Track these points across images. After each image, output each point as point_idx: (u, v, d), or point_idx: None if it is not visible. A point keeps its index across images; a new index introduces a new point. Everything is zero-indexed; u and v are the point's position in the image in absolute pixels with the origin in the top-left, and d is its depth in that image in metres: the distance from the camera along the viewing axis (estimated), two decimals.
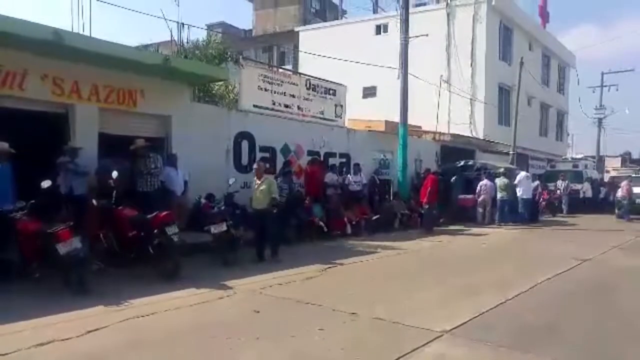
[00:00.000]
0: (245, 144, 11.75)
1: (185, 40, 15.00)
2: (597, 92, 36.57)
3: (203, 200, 9.48)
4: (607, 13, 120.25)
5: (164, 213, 6.94)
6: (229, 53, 14.10)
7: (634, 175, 23.76)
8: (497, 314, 5.58)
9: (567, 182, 21.69)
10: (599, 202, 23.03)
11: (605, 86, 36.30)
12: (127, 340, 4.49)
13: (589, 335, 4.99)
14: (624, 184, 19.47)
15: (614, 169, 36.33)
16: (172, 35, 13.98)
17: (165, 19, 12.68)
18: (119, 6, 12.19)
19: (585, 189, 22.73)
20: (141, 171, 8.42)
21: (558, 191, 21.30)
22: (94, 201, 7.44)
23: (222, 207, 8.59)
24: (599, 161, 35.23)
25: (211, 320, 5.20)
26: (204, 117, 10.76)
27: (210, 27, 26.60)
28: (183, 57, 13.30)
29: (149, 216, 7.00)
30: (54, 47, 7.44)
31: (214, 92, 13.28)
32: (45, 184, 6.65)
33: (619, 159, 45.03)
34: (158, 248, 6.77)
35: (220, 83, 13.27)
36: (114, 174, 7.39)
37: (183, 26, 14.78)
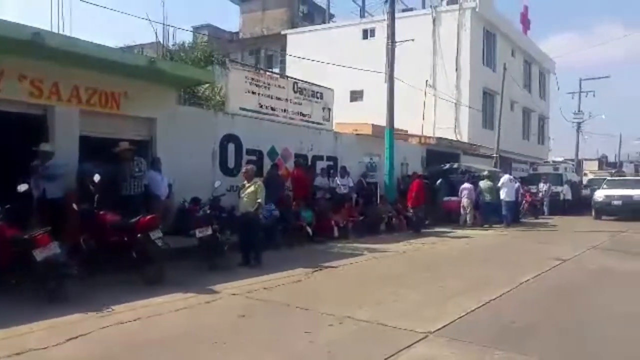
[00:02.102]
0: (231, 147, 11.67)
1: (170, 42, 14.89)
2: (575, 98, 37.39)
3: (187, 204, 9.37)
4: (584, 22, 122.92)
5: (148, 217, 6.83)
6: (215, 55, 14.00)
7: (609, 178, 24.24)
8: (480, 315, 5.64)
9: (548, 184, 22.02)
10: (577, 203, 23.42)
11: (583, 92, 37.12)
12: (109, 348, 4.40)
13: (568, 335, 5.08)
14: None
15: (591, 172, 36.99)
16: (157, 37, 13.86)
17: (150, 21, 12.57)
18: (102, 6, 12.00)
19: (565, 191, 23.10)
20: (125, 175, 8.29)
21: (540, 193, 21.59)
22: (74, 205, 7.26)
23: (208, 211, 8.50)
24: (578, 164, 35.86)
25: (197, 325, 5.13)
26: (190, 120, 10.66)
27: (196, 29, 26.45)
28: (169, 59, 13.18)
29: (132, 220, 6.88)
30: (33, 47, 7.27)
31: (200, 94, 13.18)
32: (22, 187, 6.48)
33: (597, 162, 45.92)
34: (141, 253, 6.66)
35: (207, 85, 13.18)
36: (96, 177, 7.25)
37: (168, 28, 14.67)
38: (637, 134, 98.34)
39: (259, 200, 8.29)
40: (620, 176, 25.22)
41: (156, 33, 14.24)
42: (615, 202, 19.74)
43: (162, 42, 13.80)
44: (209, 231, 7.86)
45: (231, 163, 11.57)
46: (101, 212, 7.25)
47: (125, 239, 6.82)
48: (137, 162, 8.40)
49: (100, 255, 7.00)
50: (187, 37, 32.49)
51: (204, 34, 22.30)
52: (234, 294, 6.35)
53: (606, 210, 20.04)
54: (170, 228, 8.67)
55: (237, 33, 35.30)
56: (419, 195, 13.84)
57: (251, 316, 5.47)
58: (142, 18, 16.82)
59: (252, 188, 8.37)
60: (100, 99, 8.84)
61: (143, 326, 5.02)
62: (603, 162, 47.42)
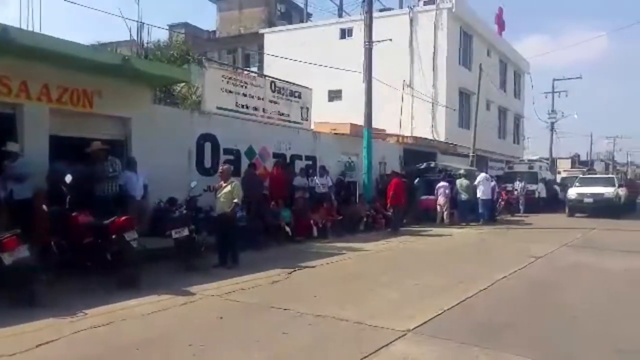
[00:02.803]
0: (208, 147, 11.53)
1: (145, 40, 14.61)
2: (549, 98, 38.23)
3: (163, 205, 9.22)
4: (557, 25, 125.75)
5: (123, 218, 6.68)
6: (191, 54, 13.80)
7: (581, 176, 24.85)
8: (458, 312, 5.70)
9: (523, 183, 22.44)
10: (551, 201, 23.93)
11: (556, 92, 37.96)
12: (80, 354, 4.28)
13: (543, 330, 5.16)
14: None
15: (565, 170, 37.88)
16: (131, 35, 13.57)
17: (124, 18, 12.29)
18: (74, 2, 11.69)
19: (540, 189, 23.57)
20: (99, 175, 8.08)
21: (515, 192, 21.98)
22: (44, 206, 7.05)
23: (184, 211, 8.38)
24: (552, 163, 36.67)
25: (173, 328, 5.04)
26: (166, 119, 10.50)
27: (172, 28, 26.04)
28: (144, 58, 12.93)
29: (106, 222, 6.73)
30: (0, 44, 7.03)
31: (176, 93, 12.99)
32: None
33: (570, 160, 47.04)
34: (116, 255, 6.52)
35: (183, 85, 13.00)
36: (68, 177, 7.06)
37: (143, 25, 14.37)
38: (607, 133, 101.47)
39: (235, 201, 8.19)
40: (591, 174, 25.85)
41: (130, 30, 13.97)
42: (587, 200, 20.26)
43: (137, 40, 13.53)
44: (186, 232, 7.75)
45: (208, 163, 11.44)
46: (73, 214, 7.07)
47: (99, 240, 6.67)
48: (111, 162, 8.20)
49: (72, 257, 6.83)
50: (162, 36, 32.05)
51: (180, 32, 21.98)
52: (211, 295, 6.27)
53: (579, 207, 20.55)
54: (146, 229, 8.51)
55: (214, 32, 34.99)
56: (398, 194, 13.92)
57: (229, 317, 5.41)
58: (116, 15, 16.48)
59: (228, 188, 8.27)
60: (72, 98, 8.60)
61: (117, 330, 4.91)
62: (576, 161, 48.64)
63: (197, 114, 11.63)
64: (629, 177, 40.76)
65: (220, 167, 9.02)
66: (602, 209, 19.70)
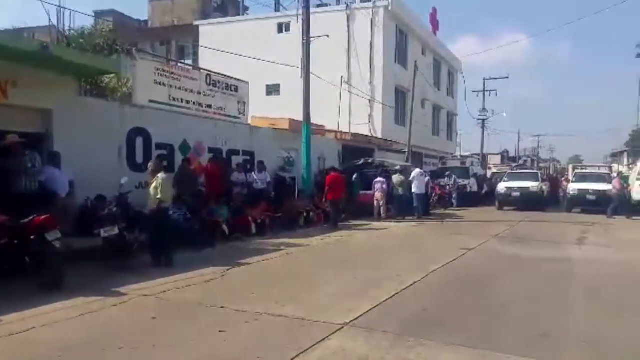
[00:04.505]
0: (140, 141, 11.02)
1: (67, 27, 13.59)
2: (480, 96, 40.09)
3: (91, 202, 8.70)
4: (488, 26, 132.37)
5: (43, 217, 6.21)
6: (119, 44, 13.03)
7: (509, 171, 26.33)
8: (393, 304, 5.83)
9: (454, 177, 23.39)
10: (483, 195, 25.17)
11: (487, 91, 39.90)
12: None
13: (474, 318, 5.40)
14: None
15: (495, 166, 39.92)
16: (50, 20, 12.53)
17: (42, 1, 11.32)
18: None
19: (471, 184, 24.69)
20: (16, 171, 7.48)
21: (448, 186, 22.88)
22: None
23: (114, 209, 7.95)
24: (483, 159, 38.55)
25: (102, 331, 4.77)
26: (93, 112, 9.90)
27: (98, 15, 24.59)
28: (65, 46, 12.09)
29: (23, 221, 6.22)
30: None
31: (104, 85, 12.26)
32: None
33: (499, 156, 49.64)
34: (36, 256, 6.05)
35: (112, 76, 12.31)
36: None
37: (64, 11, 13.36)
38: (533, 130, 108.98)
39: (158, 197, 7.88)
40: (519, 169, 27.39)
41: (49, 15, 12.94)
42: (515, 194, 21.50)
43: (57, 26, 12.56)
44: (115, 230, 7.39)
45: (140, 158, 10.93)
46: None
47: (16, 242, 6.16)
48: (30, 157, 7.63)
49: None
50: (87, 23, 30.22)
51: (107, 20, 20.80)
52: (143, 296, 6.00)
53: (507, 201, 21.75)
54: (72, 228, 8.00)
55: (145, 22, 33.57)
56: (337, 189, 14.02)
57: (162, 318, 5.20)
58: None
59: (154, 184, 7.99)
60: None
61: (38, 336, 4.56)
62: (505, 157, 51.30)
63: (128, 107, 11.07)
64: (551, 172, 43.60)
65: (150, 163, 8.66)
66: (528, 202, 20.98)
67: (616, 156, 52.98)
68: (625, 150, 49.37)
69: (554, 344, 4.58)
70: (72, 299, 5.69)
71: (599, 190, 20.14)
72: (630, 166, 30.74)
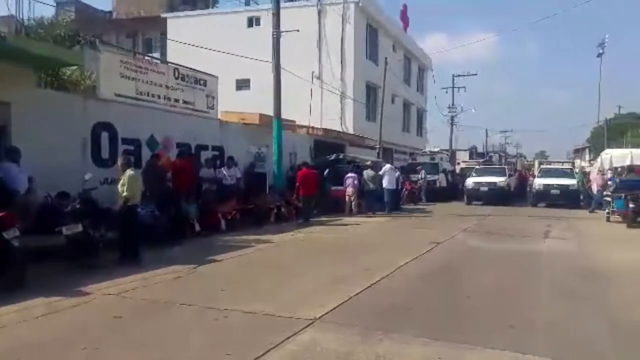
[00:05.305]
0: (105, 136, 10.68)
1: (26, 17, 13.00)
2: (449, 93, 40.74)
3: (53, 199, 8.39)
4: (456, 24, 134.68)
5: (0, 214, 5.96)
6: (82, 35, 12.55)
7: (477, 167, 26.86)
8: (363, 298, 5.85)
9: (424, 172, 23.70)
10: (451, 190, 25.60)
11: (456, 87, 40.57)
12: None
13: (442, 311, 5.47)
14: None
15: (463, 161, 40.66)
16: (9, 10, 11.95)
17: None
18: None
19: (440, 180, 25.08)
20: None
21: (418, 182, 23.17)
22: None
23: (77, 206, 7.70)
24: (452, 154, 39.21)
25: (64, 332, 4.62)
26: (54, 106, 9.53)
27: (60, 5, 23.73)
28: (24, 36, 11.58)
29: None
30: None
31: (65, 77, 11.82)
32: None
33: (468, 152, 50.54)
34: None
35: (74, 68, 11.89)
36: None
37: (23, 0, 12.77)
38: (500, 127, 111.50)
39: (125, 194, 7.72)
40: (487, 165, 27.96)
41: (7, 4, 12.37)
42: (483, 189, 21.99)
43: (15, 15, 12.01)
44: (79, 228, 7.16)
45: (105, 153, 10.60)
46: None
47: None
48: None
49: None
50: (47, 13, 29.14)
51: (69, 11, 20.09)
52: (108, 295, 5.84)
53: (475, 195, 22.21)
54: (32, 226, 7.69)
55: (110, 12, 32.62)
56: (309, 185, 13.99)
57: (128, 317, 5.08)
58: None
59: (122, 181, 7.84)
60: None
61: None
62: (473, 153, 52.20)
63: (92, 101, 10.71)
64: (517, 168, 44.66)
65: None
66: (495, 196, 21.49)
67: (578, 152, 54.79)
68: (587, 147, 51.10)
69: (519, 334, 4.67)
70: (32, 299, 5.49)
71: (563, 185, 20.80)
72: (591, 162, 31.85)
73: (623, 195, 14.18)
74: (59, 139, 9.35)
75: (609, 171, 17.54)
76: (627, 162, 16.00)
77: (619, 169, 16.52)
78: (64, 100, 10.18)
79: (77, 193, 8.33)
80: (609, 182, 16.32)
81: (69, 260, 7.22)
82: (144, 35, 29.98)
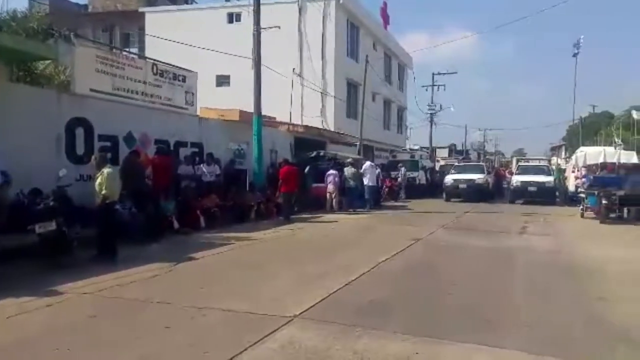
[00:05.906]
0: (80, 132, 10.45)
1: None
2: (429, 91, 41.01)
3: (25, 196, 8.17)
4: (437, 23, 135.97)
5: None
6: (55, 28, 12.22)
7: (456, 164, 27.16)
8: (342, 295, 5.85)
9: (404, 170, 23.87)
10: (431, 187, 25.84)
11: (436, 86, 40.83)
12: None
13: (421, 308, 5.49)
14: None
15: (443, 159, 41.08)
16: None
17: None
18: None
19: (420, 177, 25.29)
20: None
21: (398, 179, 23.31)
22: None
23: (51, 203, 7.50)
24: (432, 152, 39.56)
25: (35, 333, 4.50)
26: (27, 100, 9.28)
27: None
28: None
29: None
30: None
31: (38, 72, 11.51)
32: None
33: (447, 149, 51.11)
34: None
35: (48, 63, 11.59)
36: None
37: None
38: (479, 124, 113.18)
39: (103, 193, 7.59)
40: (466, 162, 28.29)
41: None
42: (462, 186, 22.24)
43: None
44: (52, 226, 6.97)
45: (80, 150, 10.37)
46: None
47: None
48: None
49: None
50: (20, 5, 28.34)
51: (42, 3, 19.59)
52: (83, 294, 5.72)
53: (454, 192, 22.46)
54: (3, 224, 7.48)
55: (85, 6, 31.95)
56: (291, 182, 13.94)
57: (103, 316, 4.99)
58: None
59: (98, 179, 7.69)
60: None
61: None
62: (452, 150, 52.83)
63: (67, 96, 10.47)
64: (496, 165, 45.32)
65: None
66: (474, 193, 21.75)
67: (555, 150, 55.87)
68: (563, 145, 52.14)
69: (497, 329, 4.72)
70: (2, 299, 5.33)
71: (540, 182, 21.17)
72: (567, 159, 32.48)
73: (596, 192, 14.50)
74: (32, 135, 9.13)
75: (583, 168, 17.90)
76: (601, 160, 16.33)
77: (593, 167, 16.88)
78: (37, 95, 9.93)
79: (51, 190, 8.12)
80: (583, 180, 16.65)
81: (42, 259, 7.05)
82: (122, 29, 29.43)
